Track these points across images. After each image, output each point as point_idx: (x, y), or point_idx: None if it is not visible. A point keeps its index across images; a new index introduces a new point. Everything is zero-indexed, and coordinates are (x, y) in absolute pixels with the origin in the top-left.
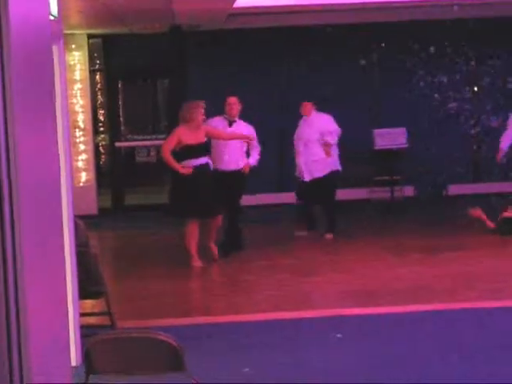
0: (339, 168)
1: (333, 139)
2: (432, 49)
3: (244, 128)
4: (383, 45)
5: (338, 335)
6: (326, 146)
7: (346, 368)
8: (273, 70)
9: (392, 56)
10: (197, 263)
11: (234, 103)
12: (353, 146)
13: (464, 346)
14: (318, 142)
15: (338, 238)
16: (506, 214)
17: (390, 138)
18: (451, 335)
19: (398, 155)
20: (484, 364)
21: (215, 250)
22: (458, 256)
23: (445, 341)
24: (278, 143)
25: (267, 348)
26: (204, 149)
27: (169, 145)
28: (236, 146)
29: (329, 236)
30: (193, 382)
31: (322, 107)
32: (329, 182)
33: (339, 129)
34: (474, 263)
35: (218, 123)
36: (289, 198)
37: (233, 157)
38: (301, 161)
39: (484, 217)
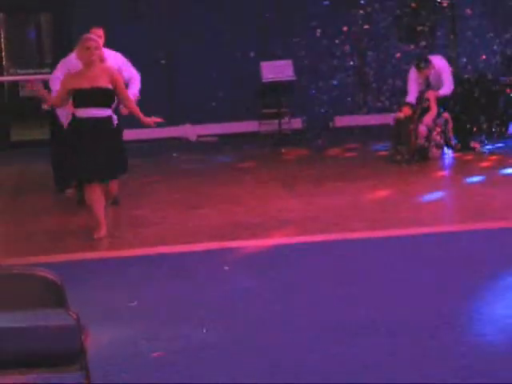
0: None
1: None
2: None
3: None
4: None
5: (226, 267)
6: None
7: (238, 300)
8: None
9: None
10: (100, 233)
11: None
12: (241, 79)
13: (354, 276)
14: None
15: (225, 170)
16: (399, 115)
17: (277, 70)
18: (340, 266)
19: (285, 88)
20: (376, 294)
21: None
22: (346, 186)
23: (333, 271)
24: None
25: (155, 282)
26: (103, 96)
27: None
28: None
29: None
30: (72, 316)
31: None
32: None
33: None
34: (362, 193)
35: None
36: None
37: None
38: None
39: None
